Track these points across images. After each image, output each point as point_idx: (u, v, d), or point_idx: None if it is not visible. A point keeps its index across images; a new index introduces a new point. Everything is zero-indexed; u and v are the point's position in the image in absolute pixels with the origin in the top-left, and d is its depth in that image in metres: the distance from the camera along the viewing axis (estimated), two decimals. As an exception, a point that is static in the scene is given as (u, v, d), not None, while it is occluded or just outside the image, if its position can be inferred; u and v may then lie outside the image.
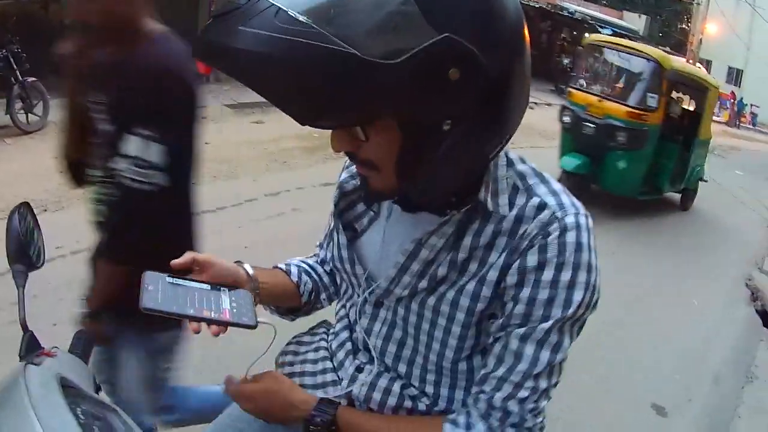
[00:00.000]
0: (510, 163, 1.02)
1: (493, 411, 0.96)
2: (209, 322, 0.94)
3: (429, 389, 1.09)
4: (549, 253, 0.92)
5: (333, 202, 1.19)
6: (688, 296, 6.04)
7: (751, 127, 30.54)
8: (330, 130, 0.88)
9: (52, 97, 7.05)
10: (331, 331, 1.27)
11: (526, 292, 0.94)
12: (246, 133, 8.04)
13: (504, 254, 0.96)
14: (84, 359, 1.13)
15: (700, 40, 26.94)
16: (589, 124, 7.73)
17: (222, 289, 1.01)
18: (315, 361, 1.24)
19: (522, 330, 0.94)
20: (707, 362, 4.79)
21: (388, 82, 0.73)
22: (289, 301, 1.28)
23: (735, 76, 36.99)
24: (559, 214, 0.94)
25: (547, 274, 0.93)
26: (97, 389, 1.09)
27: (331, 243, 1.22)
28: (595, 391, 3.87)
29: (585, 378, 3.84)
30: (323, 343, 1.27)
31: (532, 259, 0.93)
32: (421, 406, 1.09)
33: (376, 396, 1.10)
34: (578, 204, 0.98)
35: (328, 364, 1.21)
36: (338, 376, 1.18)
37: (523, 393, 0.95)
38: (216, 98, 9.57)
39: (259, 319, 0.98)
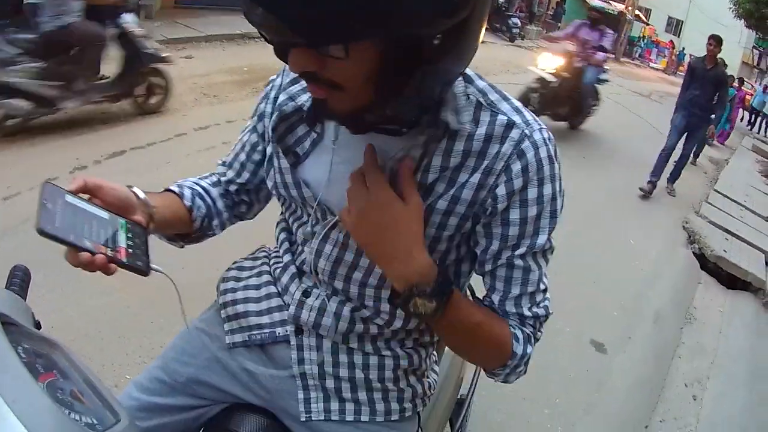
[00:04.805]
0: (468, 80, 1.01)
1: (526, 320, 1.06)
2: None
3: (384, 307, 1.09)
4: (530, 172, 0.97)
5: (271, 126, 1.12)
6: (625, 236, 6.08)
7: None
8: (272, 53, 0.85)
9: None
10: (273, 254, 1.24)
11: (516, 213, 0.99)
12: (176, 68, 7.68)
13: (477, 174, 0.98)
14: (22, 295, 1.05)
15: (642, -13, 27.14)
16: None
17: (120, 220, 0.94)
18: (258, 287, 1.21)
19: (522, 250, 1.01)
20: (646, 301, 4.82)
21: None
22: (181, 227, 1.19)
23: (675, 26, 37.72)
24: (527, 131, 0.97)
25: (532, 192, 0.98)
26: (37, 325, 1.00)
27: (272, 169, 1.15)
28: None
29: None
30: (265, 267, 1.23)
31: (517, 182, 0.97)
32: (373, 329, 1.11)
33: (326, 321, 1.10)
34: (538, 119, 1.02)
35: (273, 289, 1.19)
36: (284, 301, 1.16)
37: (539, 296, 1.05)
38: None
39: (152, 266, 0.93)
